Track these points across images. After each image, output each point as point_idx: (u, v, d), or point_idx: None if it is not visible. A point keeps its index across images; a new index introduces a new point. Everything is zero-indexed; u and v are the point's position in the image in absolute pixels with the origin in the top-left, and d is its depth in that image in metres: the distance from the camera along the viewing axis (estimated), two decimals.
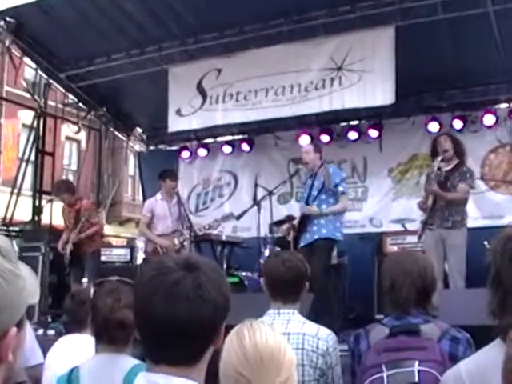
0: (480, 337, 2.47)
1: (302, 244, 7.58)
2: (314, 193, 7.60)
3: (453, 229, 7.23)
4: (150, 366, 1.67)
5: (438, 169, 7.34)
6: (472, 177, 7.55)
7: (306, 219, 7.60)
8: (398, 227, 10.21)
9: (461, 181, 7.32)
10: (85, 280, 9.12)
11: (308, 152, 7.90)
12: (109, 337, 2.94)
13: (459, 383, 2.03)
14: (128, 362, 2.84)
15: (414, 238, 8.87)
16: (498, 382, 1.93)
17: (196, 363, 1.65)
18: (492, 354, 2.04)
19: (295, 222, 7.87)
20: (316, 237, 7.48)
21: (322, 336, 3.55)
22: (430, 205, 7.28)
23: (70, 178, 23.62)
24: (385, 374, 2.80)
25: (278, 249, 8.72)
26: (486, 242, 8.14)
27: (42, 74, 11.68)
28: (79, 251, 9.40)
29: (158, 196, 9.21)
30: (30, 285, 1.24)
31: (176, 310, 1.59)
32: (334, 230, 7.56)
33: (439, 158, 7.32)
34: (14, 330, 1.16)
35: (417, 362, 2.77)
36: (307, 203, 7.65)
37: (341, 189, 7.62)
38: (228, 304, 1.70)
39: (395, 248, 8.64)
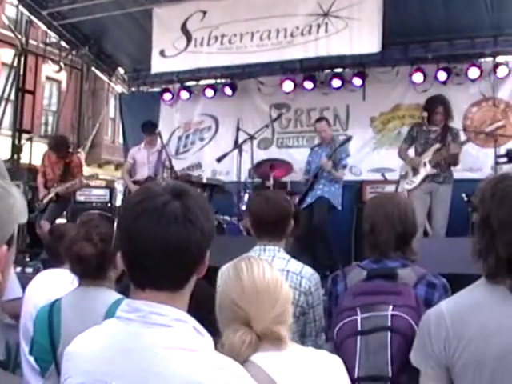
0: (457, 284, 2.51)
1: (304, 205, 8.22)
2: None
3: (443, 184, 7.58)
4: (134, 292, 1.66)
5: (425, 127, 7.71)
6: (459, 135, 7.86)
7: (313, 183, 8.31)
8: (377, 176, 10.27)
9: (455, 140, 7.62)
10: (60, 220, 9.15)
11: (325, 130, 8.65)
12: (80, 271, 2.90)
13: (441, 320, 2.12)
14: (111, 295, 2.81)
15: (393, 188, 8.93)
16: (477, 320, 2.00)
17: (181, 289, 1.66)
18: (475, 293, 2.11)
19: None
20: (314, 199, 8.20)
21: (306, 275, 3.56)
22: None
23: (50, 119, 23.40)
24: (359, 318, 2.82)
25: None
26: (464, 195, 8.29)
27: (24, 11, 11.40)
28: (55, 200, 9.32)
29: (142, 144, 9.62)
30: (19, 203, 1.22)
31: (164, 230, 1.58)
32: (334, 195, 8.23)
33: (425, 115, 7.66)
34: (4, 247, 1.15)
35: (391, 307, 2.78)
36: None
37: (343, 162, 8.39)
38: (213, 231, 1.71)
39: None
